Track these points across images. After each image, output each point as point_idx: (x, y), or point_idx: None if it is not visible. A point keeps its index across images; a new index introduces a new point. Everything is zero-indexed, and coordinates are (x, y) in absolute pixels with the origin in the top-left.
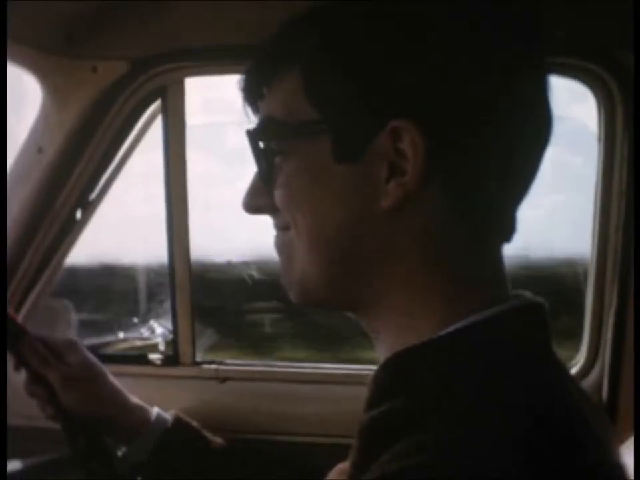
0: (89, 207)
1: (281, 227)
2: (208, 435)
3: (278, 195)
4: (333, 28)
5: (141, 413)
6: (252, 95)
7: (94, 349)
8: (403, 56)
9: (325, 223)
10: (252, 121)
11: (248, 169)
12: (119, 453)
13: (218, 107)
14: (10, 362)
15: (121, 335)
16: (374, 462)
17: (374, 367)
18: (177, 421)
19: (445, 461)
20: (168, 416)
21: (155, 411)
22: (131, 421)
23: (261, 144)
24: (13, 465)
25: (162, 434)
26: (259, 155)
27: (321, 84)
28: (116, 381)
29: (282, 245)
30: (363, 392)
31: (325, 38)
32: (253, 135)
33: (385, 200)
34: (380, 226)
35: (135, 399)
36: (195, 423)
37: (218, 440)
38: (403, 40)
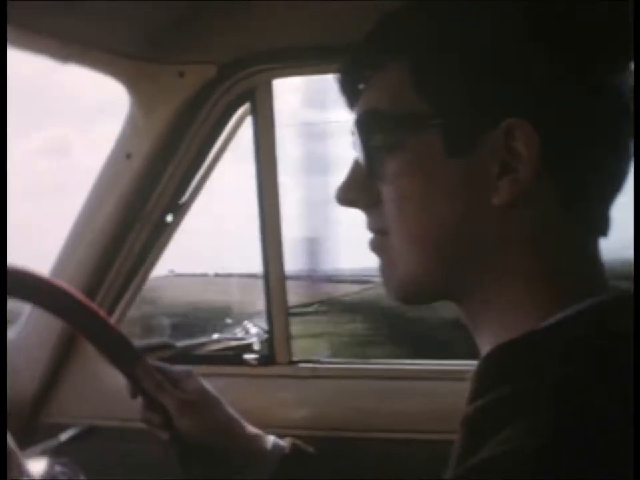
0: (179, 211)
1: (377, 230)
2: (324, 461)
3: (386, 191)
4: (447, 17)
5: (258, 440)
6: (352, 86)
7: (188, 350)
8: (522, 51)
9: (433, 220)
10: (351, 114)
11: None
12: None
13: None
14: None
15: (215, 335)
16: (477, 452)
17: (468, 362)
18: (294, 447)
19: (547, 444)
20: (284, 443)
21: (271, 438)
22: (247, 449)
23: (367, 135)
24: None
25: (279, 461)
26: (364, 146)
27: (432, 76)
28: (232, 410)
29: (380, 248)
30: (458, 387)
31: (439, 27)
32: (358, 127)
33: (498, 196)
34: (489, 221)
35: (251, 428)
36: (311, 449)
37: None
38: (523, 35)
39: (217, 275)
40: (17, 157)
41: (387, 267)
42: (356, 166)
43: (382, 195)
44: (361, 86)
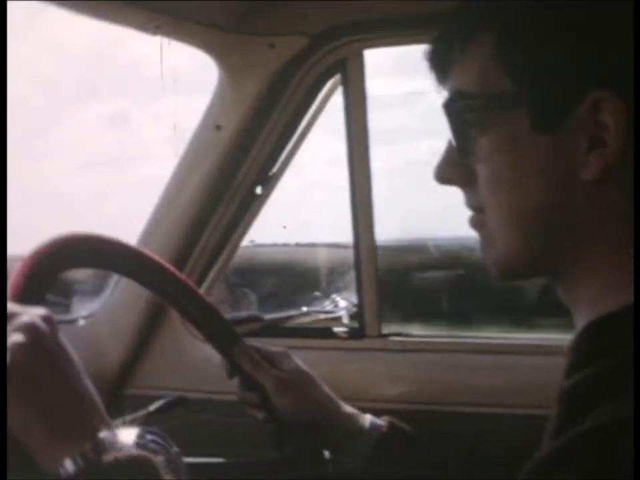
0: (269, 182)
1: (474, 208)
2: (418, 437)
3: (480, 170)
4: None
5: (355, 419)
6: (440, 65)
7: (277, 322)
8: (605, 25)
9: (526, 196)
10: (441, 91)
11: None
12: (329, 459)
13: None
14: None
15: (304, 308)
16: (576, 424)
17: (557, 337)
18: (392, 426)
19: None
20: (382, 422)
21: (368, 417)
22: (345, 427)
23: (456, 116)
24: (215, 460)
25: (377, 440)
26: (454, 127)
27: (517, 53)
28: (329, 389)
29: (478, 225)
30: (547, 362)
31: (523, 5)
32: (448, 108)
33: (587, 172)
34: (580, 196)
35: (347, 406)
36: (408, 428)
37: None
38: (606, 9)
39: (297, 245)
40: (78, 128)
41: (485, 243)
42: (450, 145)
43: (476, 173)
44: (449, 63)
